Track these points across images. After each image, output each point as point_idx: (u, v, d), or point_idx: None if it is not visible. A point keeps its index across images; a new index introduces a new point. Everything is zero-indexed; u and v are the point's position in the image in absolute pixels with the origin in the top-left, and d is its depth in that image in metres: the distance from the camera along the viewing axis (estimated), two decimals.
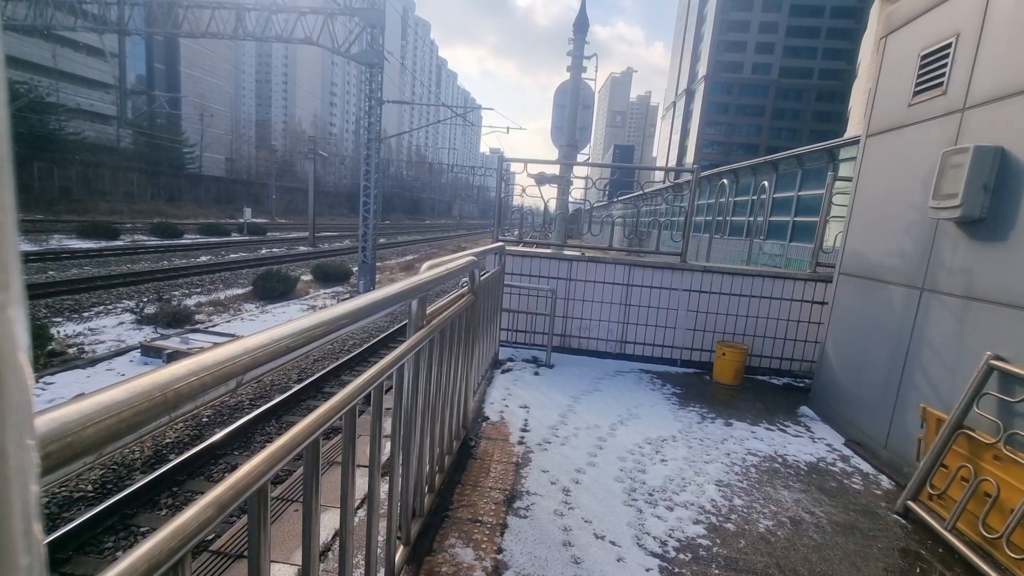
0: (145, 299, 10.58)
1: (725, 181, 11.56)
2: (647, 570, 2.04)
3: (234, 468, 0.81)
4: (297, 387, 6.34)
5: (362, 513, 2.13)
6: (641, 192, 20.25)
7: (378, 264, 18.06)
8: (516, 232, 7.62)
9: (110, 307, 10.18)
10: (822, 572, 2.11)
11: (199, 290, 12.66)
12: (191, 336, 8.22)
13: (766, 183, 9.42)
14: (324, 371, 7.02)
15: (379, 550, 1.57)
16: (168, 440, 5.02)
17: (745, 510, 2.54)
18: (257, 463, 0.79)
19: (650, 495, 2.61)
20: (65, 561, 3.37)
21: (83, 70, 42.60)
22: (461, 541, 2.09)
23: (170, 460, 4.53)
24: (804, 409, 4.12)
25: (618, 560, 2.08)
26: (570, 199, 7.90)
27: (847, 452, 3.37)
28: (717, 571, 2.07)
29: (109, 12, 14.53)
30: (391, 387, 1.59)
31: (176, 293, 11.95)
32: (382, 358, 1.44)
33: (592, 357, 5.10)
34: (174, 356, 7.10)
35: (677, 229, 20.17)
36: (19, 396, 0.25)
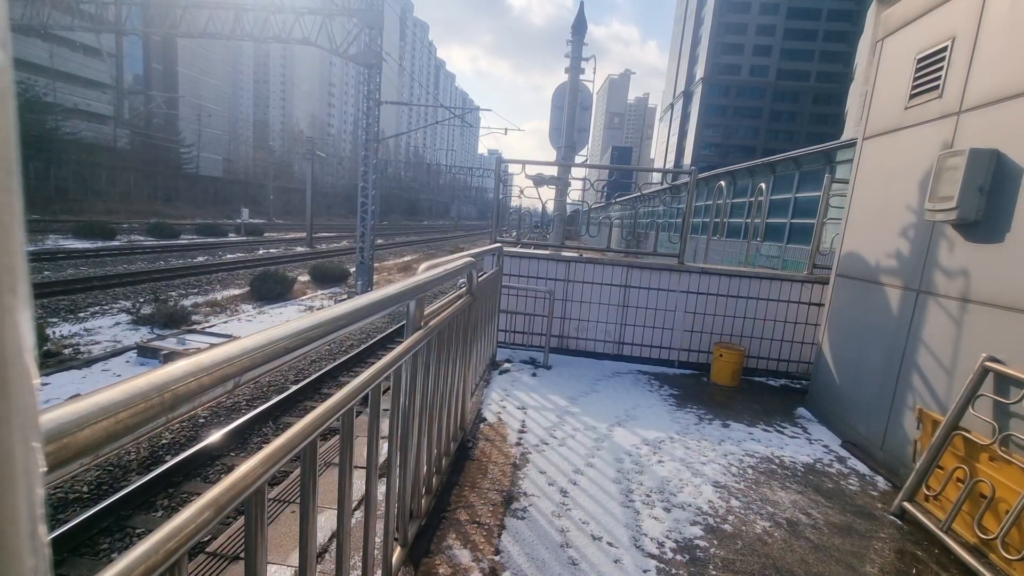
0: (141, 299, 10.53)
1: (722, 183, 11.60)
2: (644, 571, 2.04)
3: (231, 469, 0.81)
4: (294, 388, 6.33)
5: (359, 514, 2.12)
6: (639, 194, 20.28)
7: (376, 265, 18.03)
8: (514, 233, 7.62)
9: (106, 307, 10.14)
10: (819, 573, 2.12)
11: (196, 290, 12.63)
12: (188, 337, 8.19)
13: (763, 185, 9.45)
14: (321, 372, 7.01)
15: (376, 551, 1.57)
16: (164, 441, 5.00)
17: (742, 511, 2.54)
18: (254, 464, 0.79)
19: (647, 496, 2.61)
20: (60, 563, 3.35)
21: (80, 70, 42.40)
22: (459, 542, 2.09)
23: (166, 461, 4.52)
24: (801, 410, 4.13)
25: (615, 561, 2.08)
26: (568, 200, 7.91)
27: (844, 453, 3.38)
28: (714, 572, 2.07)
29: (106, 12, 14.49)
30: (389, 388, 1.59)
31: (173, 293, 11.91)
32: (380, 359, 1.44)
33: (590, 358, 5.10)
34: (170, 357, 7.08)
35: (675, 231, 20.20)
36: (25, 398, 0.25)
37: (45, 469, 0.37)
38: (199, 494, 0.67)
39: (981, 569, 2.12)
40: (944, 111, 2.97)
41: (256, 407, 5.80)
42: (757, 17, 64.41)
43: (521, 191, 5.90)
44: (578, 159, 8.10)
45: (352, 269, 15.83)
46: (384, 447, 1.84)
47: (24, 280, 0.24)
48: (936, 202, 2.80)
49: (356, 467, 2.09)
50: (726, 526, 2.40)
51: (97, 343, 7.97)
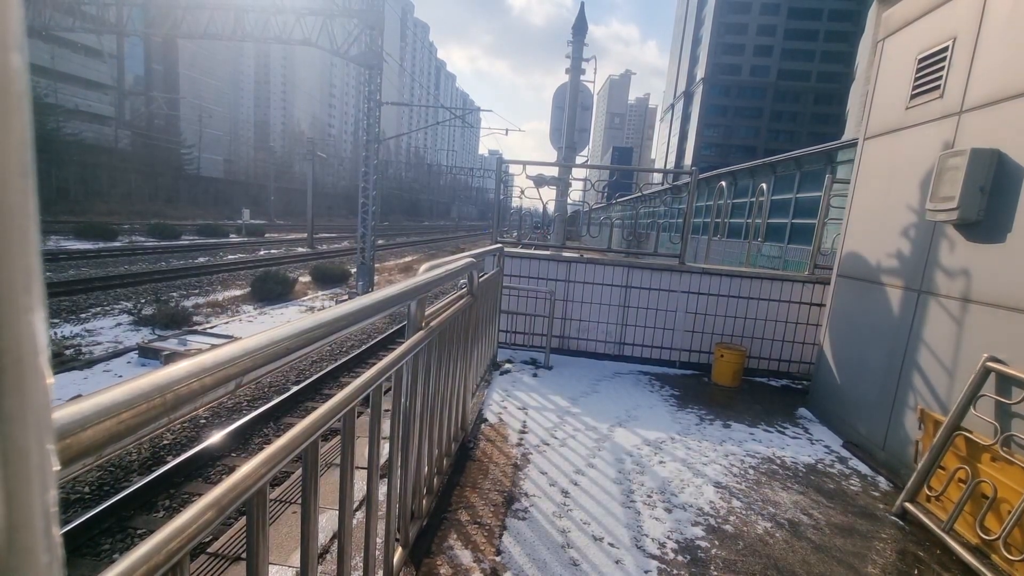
0: (143, 300, 10.55)
1: (723, 183, 11.59)
2: (645, 572, 2.04)
3: (232, 470, 0.82)
4: (295, 388, 6.33)
5: (360, 515, 2.12)
6: (640, 194, 20.27)
7: (377, 265, 18.05)
8: (515, 234, 7.62)
9: (107, 308, 10.15)
10: (820, 574, 2.11)
11: (197, 291, 12.64)
12: (189, 337, 8.20)
13: (764, 185, 9.45)
14: (322, 372, 7.01)
15: (377, 552, 1.57)
16: (166, 442, 5.00)
17: (743, 512, 2.54)
18: (256, 465, 0.79)
19: (648, 497, 2.61)
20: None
21: (81, 71, 42.44)
22: (460, 543, 2.09)
23: (168, 462, 4.52)
24: (802, 411, 4.13)
25: (616, 562, 2.08)
26: (569, 201, 7.91)
27: (845, 454, 3.38)
28: (715, 572, 2.07)
29: (107, 13, 14.51)
30: (390, 389, 1.59)
31: (174, 294, 11.92)
32: (380, 360, 1.44)
33: (591, 359, 5.10)
34: (172, 357, 7.09)
35: (675, 231, 20.18)
36: (40, 399, 0.25)
37: (59, 468, 0.38)
38: (201, 495, 0.67)
39: (983, 570, 2.12)
40: (945, 111, 2.97)
41: (257, 408, 5.80)
42: (758, 17, 64.37)
43: (522, 191, 5.90)
44: (579, 159, 8.11)
45: (353, 270, 15.84)
46: (385, 447, 1.85)
47: (39, 281, 0.24)
48: (937, 202, 2.79)
49: (357, 468, 2.09)
50: (727, 527, 2.40)
51: (98, 344, 7.97)
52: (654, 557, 2.14)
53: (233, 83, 71.55)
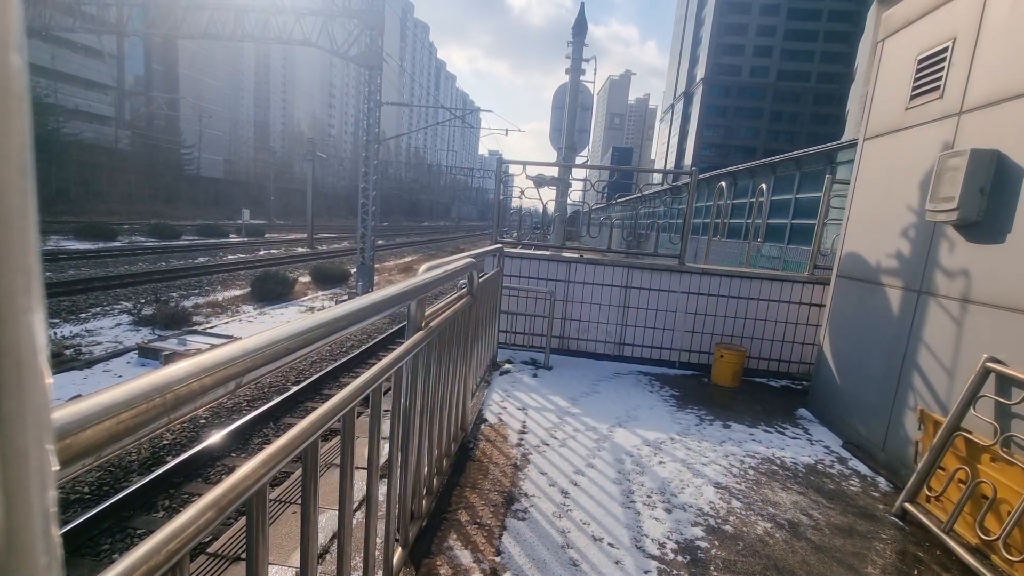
0: (142, 300, 10.55)
1: (723, 184, 11.59)
2: (645, 572, 2.04)
3: (232, 470, 0.81)
4: (295, 389, 6.33)
5: (360, 515, 2.12)
6: (639, 194, 20.26)
7: (376, 266, 18.05)
8: (515, 234, 7.62)
9: (107, 308, 10.15)
10: (820, 574, 2.11)
11: (197, 291, 12.64)
12: (188, 337, 8.20)
13: (764, 186, 9.44)
14: (322, 373, 7.01)
15: (377, 552, 1.57)
16: (166, 442, 5.00)
17: (743, 512, 2.54)
18: (256, 465, 0.79)
19: (648, 497, 2.61)
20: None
21: (81, 71, 42.41)
22: (459, 543, 2.09)
23: (167, 462, 4.52)
24: (802, 411, 4.13)
25: (616, 562, 2.08)
26: (568, 201, 7.91)
27: (845, 454, 3.38)
28: (715, 573, 2.07)
29: (108, 13, 14.51)
30: (389, 389, 1.59)
31: (174, 294, 11.92)
32: (380, 360, 1.44)
33: (590, 359, 5.10)
34: (171, 357, 7.09)
35: (675, 231, 20.18)
36: (39, 399, 0.25)
37: (58, 468, 0.38)
38: (201, 495, 0.67)
39: (983, 570, 2.12)
40: (945, 112, 2.97)
41: (257, 408, 5.80)
42: (758, 18, 64.40)
43: (522, 192, 5.90)
44: (579, 160, 8.11)
45: (353, 270, 15.84)
46: (385, 448, 1.85)
47: (38, 282, 0.24)
48: (937, 203, 2.80)
49: (357, 468, 2.09)
50: (727, 527, 2.40)
51: (98, 344, 7.97)
52: (654, 557, 2.13)
53: (233, 83, 71.51)
